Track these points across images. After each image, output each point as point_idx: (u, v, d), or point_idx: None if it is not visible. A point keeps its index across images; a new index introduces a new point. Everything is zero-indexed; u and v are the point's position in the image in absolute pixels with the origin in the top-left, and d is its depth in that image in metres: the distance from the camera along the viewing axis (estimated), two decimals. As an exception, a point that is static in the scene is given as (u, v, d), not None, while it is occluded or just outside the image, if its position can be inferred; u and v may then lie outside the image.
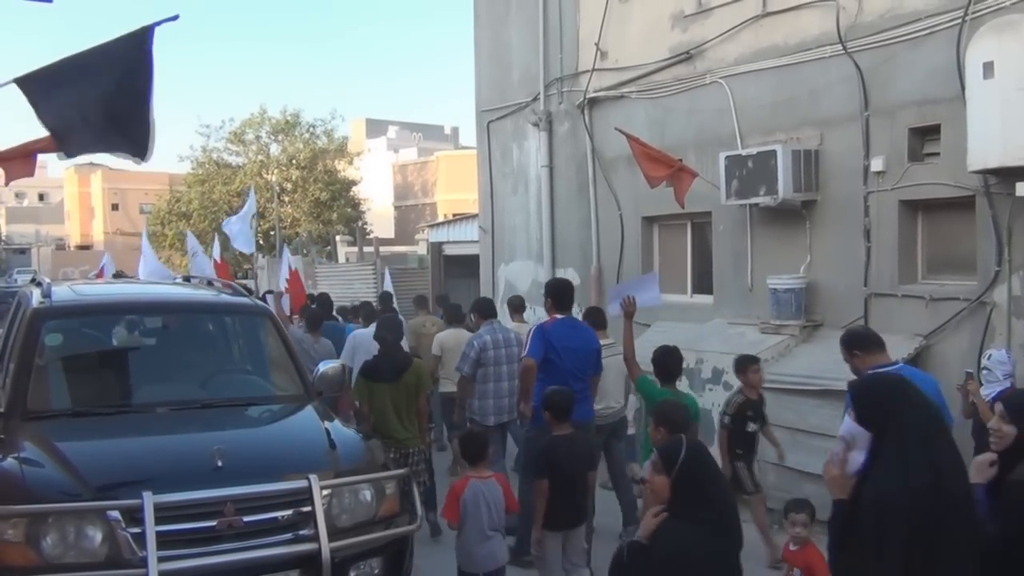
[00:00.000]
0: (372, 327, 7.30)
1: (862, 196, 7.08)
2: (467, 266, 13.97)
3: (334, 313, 10.94)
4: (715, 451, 7.12)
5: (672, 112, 8.85)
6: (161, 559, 3.70)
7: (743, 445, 5.92)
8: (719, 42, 8.29)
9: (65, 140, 5.15)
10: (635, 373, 5.70)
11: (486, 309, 7.24)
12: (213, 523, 3.91)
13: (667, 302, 9.16)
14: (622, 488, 6.59)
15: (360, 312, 9.96)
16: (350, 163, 35.16)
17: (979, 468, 3.12)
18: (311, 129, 34.28)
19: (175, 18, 4.99)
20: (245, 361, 5.89)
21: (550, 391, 5.14)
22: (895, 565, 2.79)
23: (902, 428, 2.90)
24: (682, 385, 7.29)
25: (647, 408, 5.62)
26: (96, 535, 3.78)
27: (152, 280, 11.59)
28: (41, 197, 68.39)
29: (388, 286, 12.11)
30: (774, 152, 7.28)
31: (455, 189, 34.11)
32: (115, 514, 3.80)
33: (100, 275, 15.99)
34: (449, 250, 17.08)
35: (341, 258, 23.95)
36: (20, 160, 6.55)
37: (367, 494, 4.40)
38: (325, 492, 4.18)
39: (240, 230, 13.59)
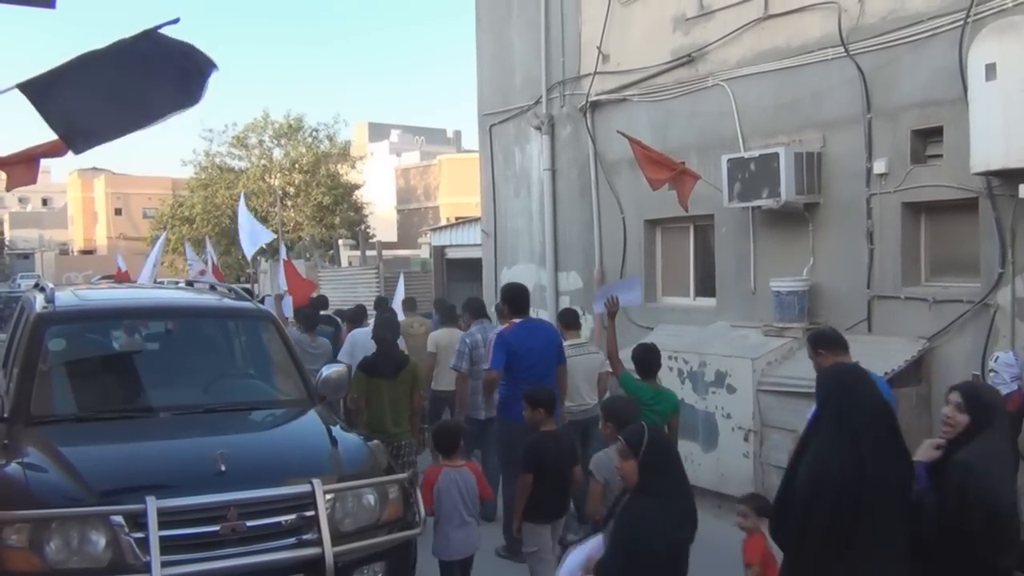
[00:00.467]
0: (370, 327, 7.44)
1: (865, 198, 7.07)
2: (470, 269, 13.95)
3: (332, 315, 10.94)
4: (722, 454, 7.16)
5: (674, 115, 8.85)
6: (164, 564, 3.70)
7: None
8: (721, 45, 8.29)
9: (72, 136, 5.11)
10: (618, 370, 5.93)
11: (476, 309, 7.61)
12: (216, 528, 3.92)
13: (670, 305, 9.18)
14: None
15: (353, 315, 9.97)
16: (353, 167, 35.13)
17: (924, 450, 3.43)
18: (314, 133, 34.23)
19: (176, 21, 4.95)
20: (248, 365, 5.89)
21: (531, 391, 5.33)
22: (815, 543, 3.20)
23: (841, 412, 3.26)
24: (685, 388, 7.37)
25: None
26: (100, 540, 3.78)
27: (145, 284, 11.58)
28: (45, 202, 68.60)
29: (401, 291, 12.04)
30: (776, 154, 7.27)
31: (458, 193, 34.04)
32: (119, 519, 3.80)
33: (119, 275, 15.90)
34: (452, 253, 17.08)
35: (344, 262, 23.92)
36: (23, 166, 6.56)
37: (371, 498, 4.40)
38: (328, 496, 4.18)
39: (252, 229, 13.31)
